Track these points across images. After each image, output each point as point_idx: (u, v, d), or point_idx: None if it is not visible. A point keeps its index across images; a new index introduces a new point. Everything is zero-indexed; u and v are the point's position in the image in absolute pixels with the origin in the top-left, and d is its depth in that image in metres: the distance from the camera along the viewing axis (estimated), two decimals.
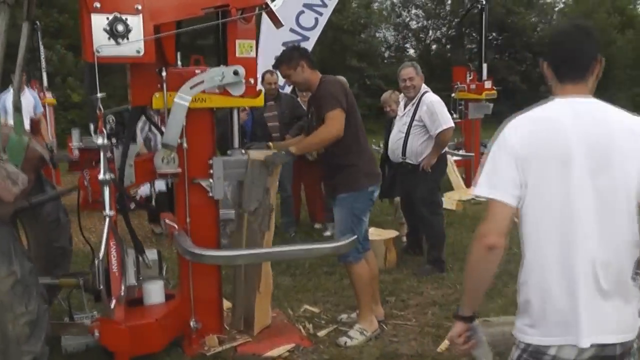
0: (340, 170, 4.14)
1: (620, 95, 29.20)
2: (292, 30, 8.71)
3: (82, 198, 3.87)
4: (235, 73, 3.65)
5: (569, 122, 1.97)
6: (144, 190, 6.26)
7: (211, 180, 3.80)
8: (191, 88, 3.63)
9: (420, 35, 29.22)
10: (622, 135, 1.98)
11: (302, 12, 8.71)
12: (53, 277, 3.74)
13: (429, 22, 29.03)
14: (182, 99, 3.60)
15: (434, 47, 29.24)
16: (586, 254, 1.95)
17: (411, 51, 29.61)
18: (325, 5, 9.10)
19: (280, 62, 4.16)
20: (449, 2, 28.60)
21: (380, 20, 28.14)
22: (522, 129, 2.01)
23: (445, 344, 4.03)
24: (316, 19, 8.99)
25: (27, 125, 4.16)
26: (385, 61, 27.93)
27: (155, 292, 3.83)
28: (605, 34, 27.86)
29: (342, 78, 4.44)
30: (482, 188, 2.02)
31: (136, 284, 3.77)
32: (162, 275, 3.93)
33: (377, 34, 28.01)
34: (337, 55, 23.76)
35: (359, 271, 4.22)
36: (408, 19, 29.46)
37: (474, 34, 26.34)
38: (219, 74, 3.64)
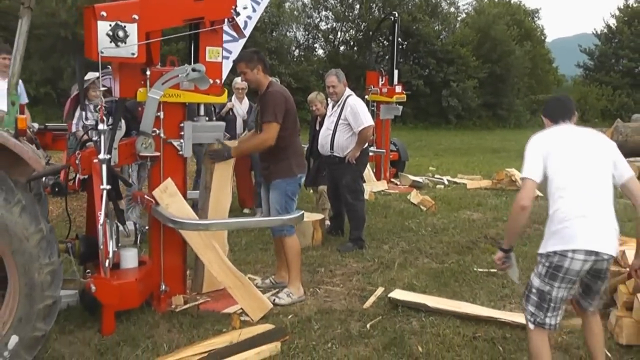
0: (276, 162, 5.01)
1: (518, 101, 31.84)
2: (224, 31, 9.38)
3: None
4: (194, 70, 4.33)
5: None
6: None
7: (182, 141, 4.50)
8: (162, 84, 4.31)
9: (330, 37, 30.42)
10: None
11: None
12: None
13: (338, 24, 30.25)
14: (155, 94, 4.28)
15: (342, 48, 30.52)
16: None
17: (320, 51, 30.85)
18: (254, 11, 9.83)
19: (241, 60, 4.93)
20: (358, 6, 29.94)
21: (292, 20, 29.07)
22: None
23: (370, 301, 4.96)
24: (246, 22, 9.68)
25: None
26: (295, 59, 28.91)
27: (131, 258, 4.49)
28: (505, 45, 30.21)
29: (283, 88, 5.26)
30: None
31: (116, 250, 4.40)
32: (137, 244, 4.58)
33: (288, 33, 28.94)
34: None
35: (291, 243, 5.05)
36: (318, 19, 30.64)
37: (380, 38, 27.84)
38: (183, 71, 4.33)
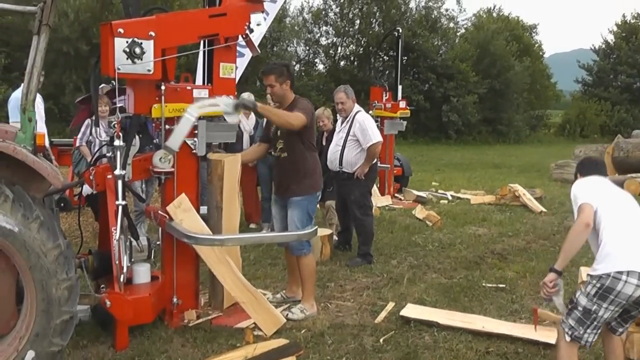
0: (297, 177, 4.96)
1: (517, 117, 31.89)
2: None
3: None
4: (236, 108, 4.37)
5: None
6: (86, 189, 6.76)
7: (195, 139, 4.48)
8: (199, 108, 4.30)
9: (330, 52, 30.53)
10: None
11: None
12: None
13: (339, 39, 30.39)
14: (191, 115, 4.25)
15: (342, 63, 30.61)
16: None
17: (320, 66, 30.88)
18: (258, 24, 9.90)
19: (272, 72, 4.88)
20: (358, 21, 30.12)
21: (292, 35, 29.19)
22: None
23: (381, 316, 4.97)
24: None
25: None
26: (296, 74, 29.00)
27: (144, 273, 4.50)
28: (504, 60, 30.31)
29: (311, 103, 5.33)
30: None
31: (129, 265, 4.41)
32: (151, 259, 4.59)
33: (289, 48, 29.05)
34: (250, 66, 24.51)
35: (308, 262, 5.04)
36: (318, 34, 30.72)
37: (379, 53, 27.99)
38: (228, 104, 4.34)
